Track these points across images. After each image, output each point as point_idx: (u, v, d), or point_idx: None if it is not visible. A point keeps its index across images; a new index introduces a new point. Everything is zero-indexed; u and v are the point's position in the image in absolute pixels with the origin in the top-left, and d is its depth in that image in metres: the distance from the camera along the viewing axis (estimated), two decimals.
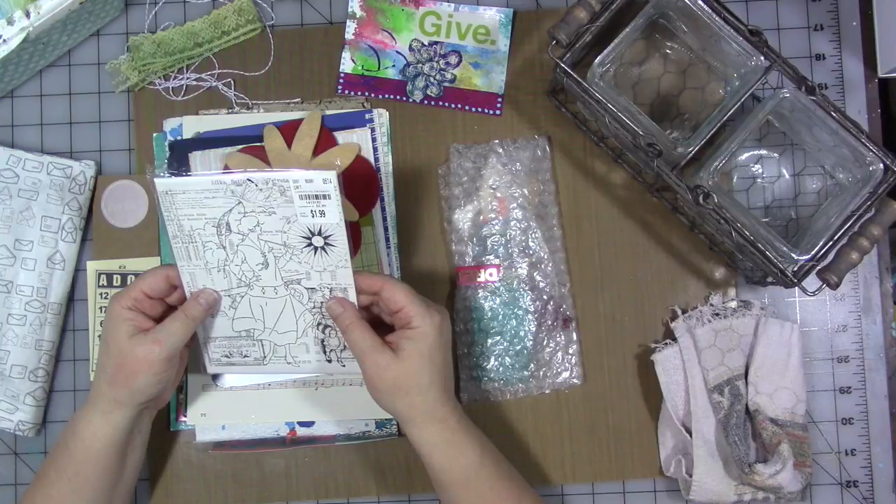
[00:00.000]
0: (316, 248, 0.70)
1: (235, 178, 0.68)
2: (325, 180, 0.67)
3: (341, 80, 0.86)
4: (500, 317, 0.84)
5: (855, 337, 0.85)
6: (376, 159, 0.84)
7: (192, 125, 0.84)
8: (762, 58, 0.73)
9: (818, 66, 0.87)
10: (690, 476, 0.79)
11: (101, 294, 0.84)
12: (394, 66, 0.86)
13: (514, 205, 0.84)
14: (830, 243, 0.72)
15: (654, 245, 0.85)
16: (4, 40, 0.76)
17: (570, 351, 0.84)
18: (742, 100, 0.73)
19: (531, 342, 0.84)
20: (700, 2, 0.73)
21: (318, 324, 0.74)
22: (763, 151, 0.86)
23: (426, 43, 0.86)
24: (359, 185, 0.83)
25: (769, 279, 0.78)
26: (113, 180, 0.85)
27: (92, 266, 0.84)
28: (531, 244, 0.84)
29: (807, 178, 0.85)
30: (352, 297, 0.73)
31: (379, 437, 0.83)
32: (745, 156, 0.85)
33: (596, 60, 0.74)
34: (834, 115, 0.72)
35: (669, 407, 0.81)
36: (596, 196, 0.85)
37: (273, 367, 0.77)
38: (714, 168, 0.73)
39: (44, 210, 0.82)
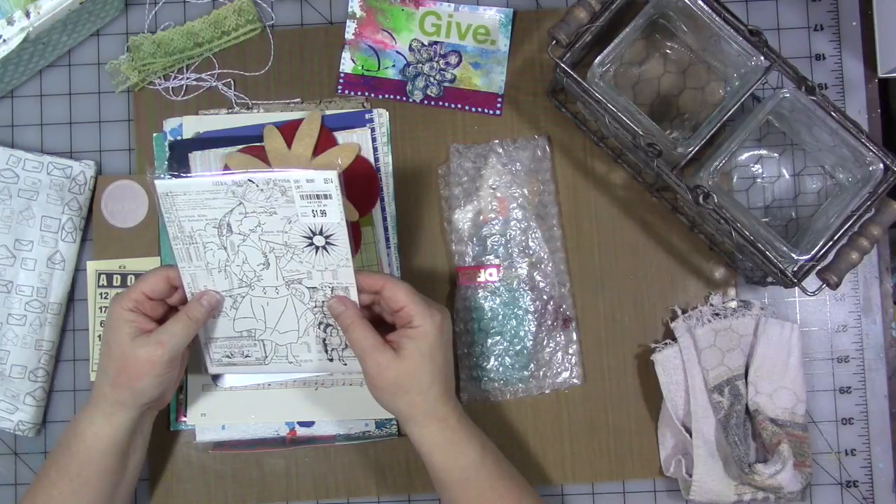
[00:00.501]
0: (317, 248, 0.70)
1: (236, 178, 0.68)
2: (327, 180, 0.67)
3: (341, 80, 0.86)
4: (500, 317, 0.84)
5: (855, 337, 0.85)
6: (376, 159, 0.84)
7: (192, 125, 0.84)
8: (762, 58, 0.73)
9: (818, 66, 0.87)
10: (690, 476, 0.79)
11: (101, 294, 0.84)
12: (394, 66, 0.86)
13: (514, 205, 0.84)
14: (830, 243, 0.72)
15: (654, 245, 0.85)
16: (4, 40, 0.76)
17: (570, 351, 0.84)
18: (742, 100, 0.73)
19: (531, 342, 0.84)
20: (700, 2, 0.73)
21: (320, 323, 0.74)
22: (763, 151, 0.86)
23: (426, 43, 0.86)
24: (359, 185, 0.83)
25: (769, 279, 0.78)
26: (113, 180, 0.85)
27: (92, 266, 0.84)
28: (531, 244, 0.84)
29: (807, 178, 0.85)
30: (353, 296, 0.73)
31: (379, 437, 0.83)
32: (745, 156, 0.85)
33: (596, 60, 0.74)
34: (834, 115, 0.72)
35: (669, 407, 0.81)
36: (596, 196, 0.85)
37: (274, 367, 0.77)
38: (714, 168, 0.73)
39: (44, 210, 0.82)
